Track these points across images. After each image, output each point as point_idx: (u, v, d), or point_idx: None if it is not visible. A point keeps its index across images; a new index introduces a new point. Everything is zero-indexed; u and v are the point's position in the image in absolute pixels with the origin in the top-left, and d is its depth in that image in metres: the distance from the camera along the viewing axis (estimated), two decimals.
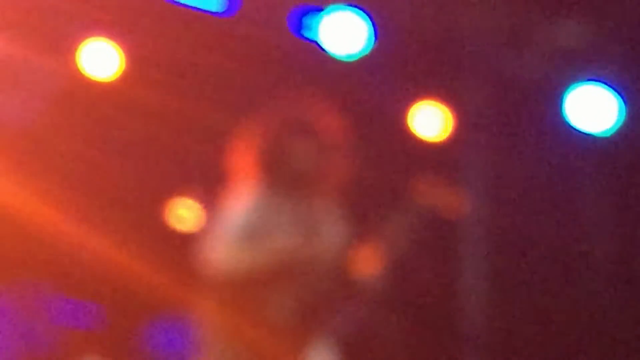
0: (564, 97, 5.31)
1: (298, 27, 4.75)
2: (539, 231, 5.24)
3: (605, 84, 5.27)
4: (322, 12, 4.74)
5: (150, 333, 5.15)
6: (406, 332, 5.31)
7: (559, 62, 5.35)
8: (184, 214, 5.15)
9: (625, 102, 5.36)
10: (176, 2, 4.76)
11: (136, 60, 5.01)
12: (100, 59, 4.96)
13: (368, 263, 4.06)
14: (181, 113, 4.69)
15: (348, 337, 4.16)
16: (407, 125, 5.06)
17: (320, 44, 4.79)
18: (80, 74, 4.93)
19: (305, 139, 4.00)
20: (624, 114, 5.38)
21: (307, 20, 4.77)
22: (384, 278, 4.12)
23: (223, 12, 4.70)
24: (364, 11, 4.78)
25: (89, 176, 4.95)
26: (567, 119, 5.30)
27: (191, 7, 4.79)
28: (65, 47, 4.94)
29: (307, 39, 4.76)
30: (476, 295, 5.42)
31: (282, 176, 4.00)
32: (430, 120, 4.98)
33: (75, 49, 4.95)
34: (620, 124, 5.40)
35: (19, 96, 4.73)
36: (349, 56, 4.83)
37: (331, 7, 4.71)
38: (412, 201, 4.21)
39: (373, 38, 4.84)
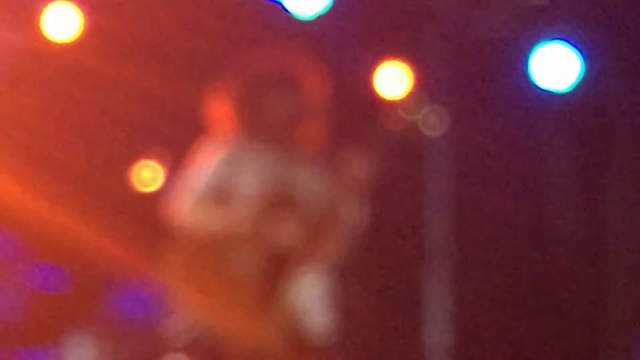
0: (527, 56, 5.32)
1: None
2: (503, 188, 5.28)
3: (566, 41, 5.35)
4: None
5: (117, 297, 5.06)
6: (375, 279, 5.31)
7: (520, 21, 5.38)
8: (148, 176, 5.10)
9: (585, 60, 5.44)
10: None
11: (98, 24, 4.86)
12: (63, 22, 4.84)
13: (338, 214, 4.04)
14: (146, 77, 4.62)
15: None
16: (370, 84, 5.04)
17: (284, 5, 4.85)
18: (43, 37, 4.84)
19: (274, 95, 4.02)
20: (584, 71, 5.46)
21: None
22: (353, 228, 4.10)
23: None
24: None
25: (50, 141, 4.83)
26: (530, 77, 5.31)
27: None
28: (28, 11, 4.82)
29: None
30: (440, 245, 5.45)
31: (251, 132, 3.99)
32: (392, 80, 4.96)
33: (39, 13, 4.82)
34: (580, 81, 5.50)
35: None
36: (312, 16, 4.85)
37: None
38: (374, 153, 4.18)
39: None
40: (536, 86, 5.30)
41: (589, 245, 5.44)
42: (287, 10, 4.88)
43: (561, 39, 5.36)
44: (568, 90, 5.38)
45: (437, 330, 5.36)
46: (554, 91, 5.29)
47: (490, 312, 5.38)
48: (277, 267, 3.97)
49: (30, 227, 4.65)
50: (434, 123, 4.40)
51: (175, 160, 4.35)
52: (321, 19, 4.93)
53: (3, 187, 4.48)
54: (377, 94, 5.05)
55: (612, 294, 5.48)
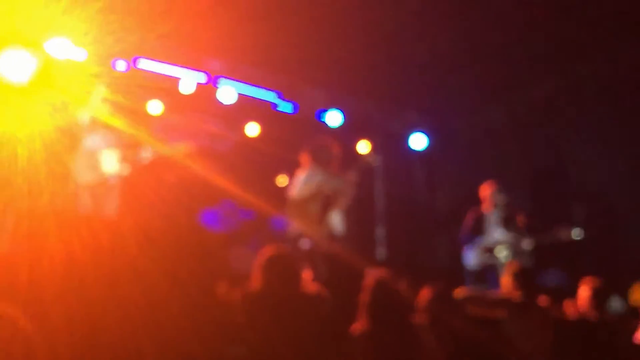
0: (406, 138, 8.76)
1: (319, 116, 8.62)
2: (403, 186, 9.20)
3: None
4: (325, 111, 8.68)
5: (270, 221, 7.55)
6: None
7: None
8: (283, 180, 8.07)
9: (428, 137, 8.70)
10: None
11: (268, 129, 7.79)
12: (252, 127, 7.89)
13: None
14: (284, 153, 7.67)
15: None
16: (355, 149, 8.46)
17: (326, 122, 8.84)
18: (245, 135, 8.07)
19: (323, 152, 7.05)
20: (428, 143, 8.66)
21: (321, 114, 8.69)
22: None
23: (293, 112, 8.23)
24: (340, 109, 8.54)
25: (252, 180, 7.39)
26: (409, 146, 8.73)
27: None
28: (238, 121, 7.97)
29: (320, 119, 8.70)
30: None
31: (316, 166, 6.94)
32: (363, 147, 8.45)
33: (244, 123, 8.01)
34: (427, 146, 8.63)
35: None
36: (336, 126, 8.68)
37: (330, 109, 8.63)
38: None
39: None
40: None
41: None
42: (326, 124, 8.67)
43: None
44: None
45: (379, 246, 9.35)
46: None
47: (399, 237, 9.28)
48: (325, 207, 6.88)
49: (239, 200, 6.81)
50: (375, 160, 7.66)
51: (292, 175, 7.33)
52: (340, 127, 8.59)
53: (222, 184, 6.88)
54: (357, 152, 8.57)
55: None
